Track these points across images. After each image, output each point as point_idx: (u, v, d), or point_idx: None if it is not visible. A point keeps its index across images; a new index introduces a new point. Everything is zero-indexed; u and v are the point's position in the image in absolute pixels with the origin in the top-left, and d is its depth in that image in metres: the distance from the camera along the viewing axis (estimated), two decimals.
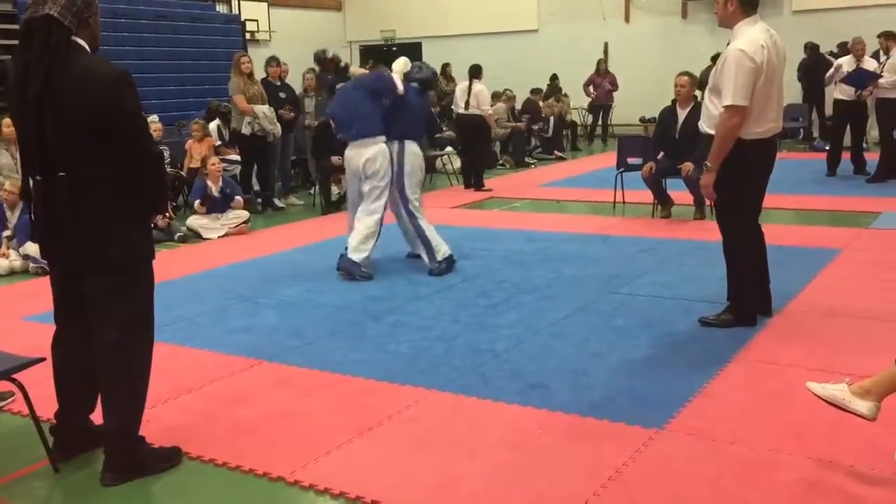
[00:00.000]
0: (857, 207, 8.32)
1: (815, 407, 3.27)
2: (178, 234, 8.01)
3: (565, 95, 16.05)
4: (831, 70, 10.61)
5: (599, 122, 16.66)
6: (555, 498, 2.93)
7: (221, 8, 17.07)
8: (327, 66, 6.54)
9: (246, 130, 9.30)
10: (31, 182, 3.12)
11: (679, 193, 8.12)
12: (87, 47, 3.00)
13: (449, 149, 12.20)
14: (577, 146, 16.06)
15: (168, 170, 8.72)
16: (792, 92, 13.19)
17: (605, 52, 17.42)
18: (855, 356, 4.14)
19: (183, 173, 9.70)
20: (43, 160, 2.99)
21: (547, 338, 4.68)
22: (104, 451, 3.21)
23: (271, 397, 3.95)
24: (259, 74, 9.87)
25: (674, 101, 8.08)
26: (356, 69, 6.71)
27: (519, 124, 13.81)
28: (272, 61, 10.00)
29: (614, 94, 16.17)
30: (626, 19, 17.59)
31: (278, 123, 9.50)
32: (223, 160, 9.13)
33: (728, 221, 4.71)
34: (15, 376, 3.18)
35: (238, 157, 9.76)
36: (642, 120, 15.70)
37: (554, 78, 16.46)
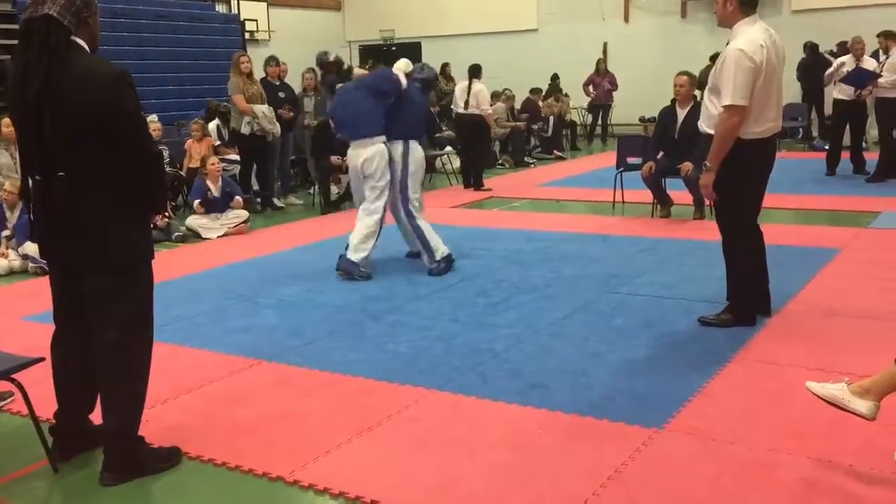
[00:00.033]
0: (857, 207, 8.32)
1: (814, 406, 3.27)
2: (176, 234, 8.01)
3: (566, 95, 16.06)
4: (832, 68, 10.61)
5: (599, 122, 16.66)
6: (554, 497, 2.93)
7: (221, 7, 17.07)
8: (329, 69, 6.52)
9: (245, 130, 9.30)
10: (30, 182, 3.12)
11: (678, 193, 8.12)
12: (86, 47, 3.00)
13: (448, 148, 12.20)
14: (576, 146, 16.06)
15: (167, 170, 8.72)
16: (791, 91, 13.21)
17: (605, 51, 17.43)
18: (854, 356, 4.14)
19: (182, 173, 9.70)
20: (42, 160, 2.99)
21: (546, 337, 4.68)
22: (103, 450, 3.21)
23: (271, 397, 3.95)
24: (258, 74, 9.87)
25: (673, 101, 8.08)
26: (359, 70, 6.68)
27: (518, 124, 13.81)
28: (271, 61, 9.99)
29: (614, 93, 16.17)
30: (626, 19, 17.59)
31: (277, 123, 9.50)
32: (222, 160, 9.13)
33: (727, 221, 4.71)
34: (14, 376, 3.18)
35: (237, 157, 9.76)
36: (642, 119, 15.70)
37: (555, 78, 16.46)
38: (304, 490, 3.08)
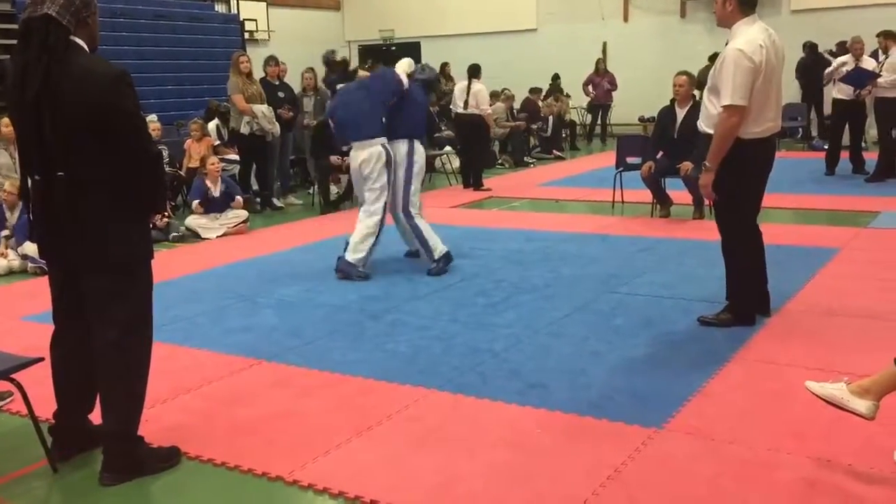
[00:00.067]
0: (856, 207, 8.33)
1: (813, 406, 3.27)
2: (173, 234, 8.00)
3: (567, 96, 16.06)
4: (831, 67, 10.61)
5: (598, 122, 16.66)
6: (554, 497, 2.93)
7: (220, 7, 17.07)
8: (335, 69, 6.50)
9: (245, 130, 9.30)
10: (29, 182, 3.12)
11: (678, 193, 8.12)
12: (85, 47, 3.00)
13: (448, 148, 12.20)
14: (576, 146, 16.06)
15: (167, 169, 8.71)
16: (790, 91, 13.22)
17: (604, 51, 17.43)
18: (853, 355, 4.14)
19: (182, 173, 9.69)
20: (41, 160, 2.99)
21: (546, 337, 4.68)
22: (103, 450, 3.20)
23: (270, 397, 3.95)
24: (258, 74, 9.87)
25: (672, 101, 8.08)
26: (363, 72, 6.66)
27: (518, 123, 13.81)
28: (271, 61, 9.99)
29: (613, 93, 16.17)
30: (625, 19, 17.60)
31: (277, 123, 9.50)
32: (222, 160, 9.12)
33: (727, 221, 4.71)
34: (14, 376, 3.18)
35: (237, 157, 9.76)
36: (641, 119, 15.70)
37: (556, 78, 16.46)
38: (303, 490, 3.08)
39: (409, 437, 3.45)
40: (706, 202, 6.20)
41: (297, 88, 10.50)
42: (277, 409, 3.79)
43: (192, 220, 8.23)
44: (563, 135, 15.59)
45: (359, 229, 6.18)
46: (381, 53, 18.98)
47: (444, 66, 15.43)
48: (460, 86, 11.11)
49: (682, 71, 8.09)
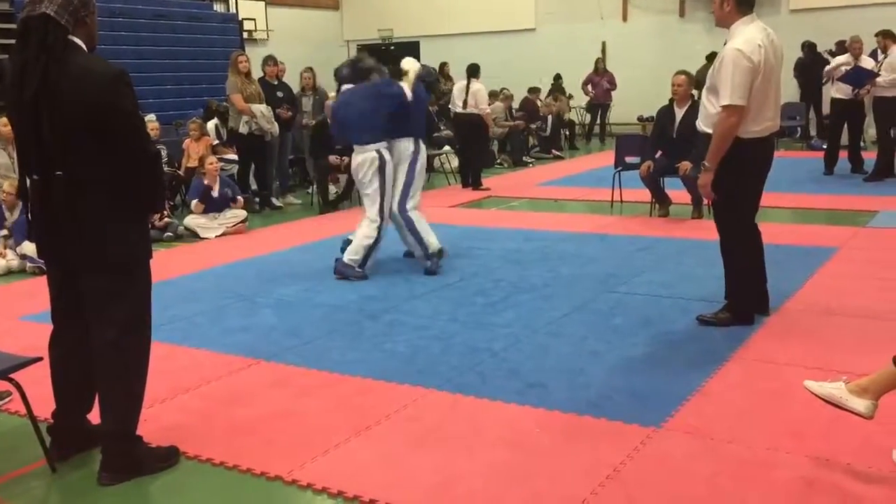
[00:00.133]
0: (855, 206, 8.33)
1: (812, 405, 3.27)
2: (167, 234, 7.99)
3: (570, 96, 16.06)
4: (831, 65, 10.61)
5: (597, 121, 16.67)
6: (552, 497, 2.93)
7: (219, 7, 17.06)
8: (362, 74, 6.47)
9: (243, 130, 9.29)
10: (28, 181, 3.12)
11: (677, 192, 8.12)
12: (83, 46, 3.00)
13: (447, 148, 12.20)
14: (574, 145, 16.06)
15: (165, 169, 8.71)
16: (789, 90, 13.23)
17: (603, 51, 17.43)
18: (852, 355, 4.15)
19: (180, 173, 9.69)
20: (40, 159, 2.99)
21: (545, 337, 4.69)
22: (101, 450, 3.21)
23: (269, 397, 3.95)
24: (256, 73, 9.86)
25: (671, 100, 8.08)
26: (375, 77, 6.61)
27: (517, 123, 13.81)
28: (269, 60, 9.98)
29: (612, 93, 16.18)
30: (624, 18, 17.59)
31: (276, 122, 9.50)
32: (221, 159, 9.13)
33: (726, 220, 4.71)
34: (12, 376, 3.17)
35: (235, 157, 9.76)
36: (640, 119, 15.70)
37: (558, 77, 16.46)
38: (302, 489, 3.08)
39: (407, 437, 3.45)
40: (705, 201, 6.21)
41: (295, 88, 10.50)
42: (276, 408, 3.79)
43: (191, 220, 8.23)
44: (563, 135, 15.59)
45: (358, 235, 6.21)
46: (380, 53, 18.96)
47: (443, 65, 15.42)
48: (459, 85, 11.11)
49: (680, 70, 8.09)
